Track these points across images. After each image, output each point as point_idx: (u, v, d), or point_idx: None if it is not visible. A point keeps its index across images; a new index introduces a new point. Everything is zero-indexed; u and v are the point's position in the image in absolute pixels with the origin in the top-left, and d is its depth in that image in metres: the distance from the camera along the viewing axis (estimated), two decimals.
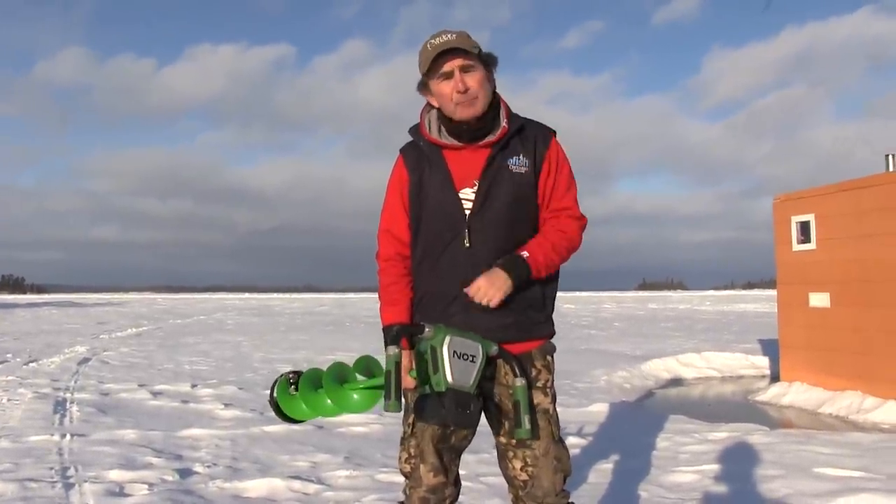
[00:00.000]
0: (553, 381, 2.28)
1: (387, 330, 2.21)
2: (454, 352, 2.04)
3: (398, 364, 2.02)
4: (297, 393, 2.39)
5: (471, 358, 2.08)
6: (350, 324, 21.38)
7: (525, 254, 2.17)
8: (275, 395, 2.40)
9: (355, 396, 2.34)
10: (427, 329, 2.07)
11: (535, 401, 2.21)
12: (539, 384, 2.23)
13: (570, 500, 2.27)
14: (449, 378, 2.02)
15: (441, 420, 2.04)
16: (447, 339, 2.05)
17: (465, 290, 2.14)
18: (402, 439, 2.30)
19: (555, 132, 2.30)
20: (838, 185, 7.50)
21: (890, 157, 7.37)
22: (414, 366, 2.16)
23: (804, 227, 7.88)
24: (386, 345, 2.12)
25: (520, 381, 2.13)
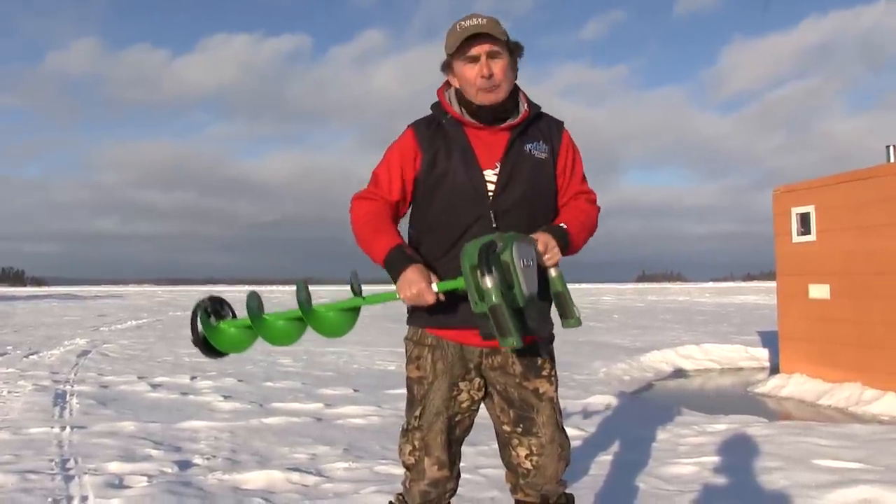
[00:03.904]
0: (555, 369, 2.29)
1: (396, 253, 2.09)
2: (522, 261, 1.92)
3: (504, 295, 1.86)
4: (219, 323, 2.23)
5: (531, 262, 1.98)
6: None
7: (564, 225, 2.15)
8: (200, 330, 2.19)
9: (331, 313, 2.13)
10: (499, 244, 1.92)
11: (541, 390, 2.23)
12: (544, 373, 2.25)
13: (565, 488, 2.28)
14: (525, 291, 1.91)
15: (531, 333, 1.95)
16: (515, 248, 1.91)
17: (539, 243, 2.03)
18: (406, 431, 2.27)
19: (563, 122, 2.33)
20: (838, 177, 7.48)
21: (890, 148, 7.36)
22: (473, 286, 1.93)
23: (804, 218, 7.87)
24: (395, 269, 2.04)
25: (555, 272, 2.10)
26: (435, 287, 2.04)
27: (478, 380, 2.24)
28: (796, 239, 7.96)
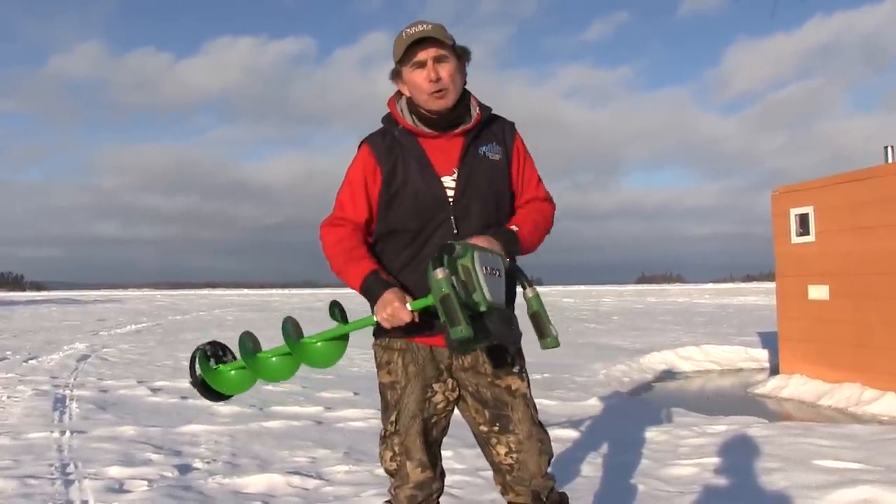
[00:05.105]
0: (525, 365, 2.31)
1: (373, 279, 2.13)
2: (484, 267, 1.96)
3: (454, 287, 1.91)
4: (218, 366, 2.29)
5: (497, 273, 2.01)
6: None
7: (514, 227, 2.20)
8: (198, 372, 2.25)
9: (318, 344, 2.21)
10: (457, 248, 1.97)
11: (514, 386, 2.25)
12: (515, 370, 2.26)
13: (555, 483, 2.28)
14: (488, 296, 1.94)
15: (496, 340, 1.99)
16: (476, 254, 1.96)
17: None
18: (384, 437, 2.29)
19: (514, 123, 2.36)
20: (837, 177, 7.49)
21: (888, 148, 7.37)
22: (437, 294, 1.96)
23: (803, 219, 7.87)
24: (372, 294, 2.10)
25: (531, 292, 2.14)
26: (408, 306, 2.07)
27: (451, 381, 2.25)
28: (795, 240, 7.97)
